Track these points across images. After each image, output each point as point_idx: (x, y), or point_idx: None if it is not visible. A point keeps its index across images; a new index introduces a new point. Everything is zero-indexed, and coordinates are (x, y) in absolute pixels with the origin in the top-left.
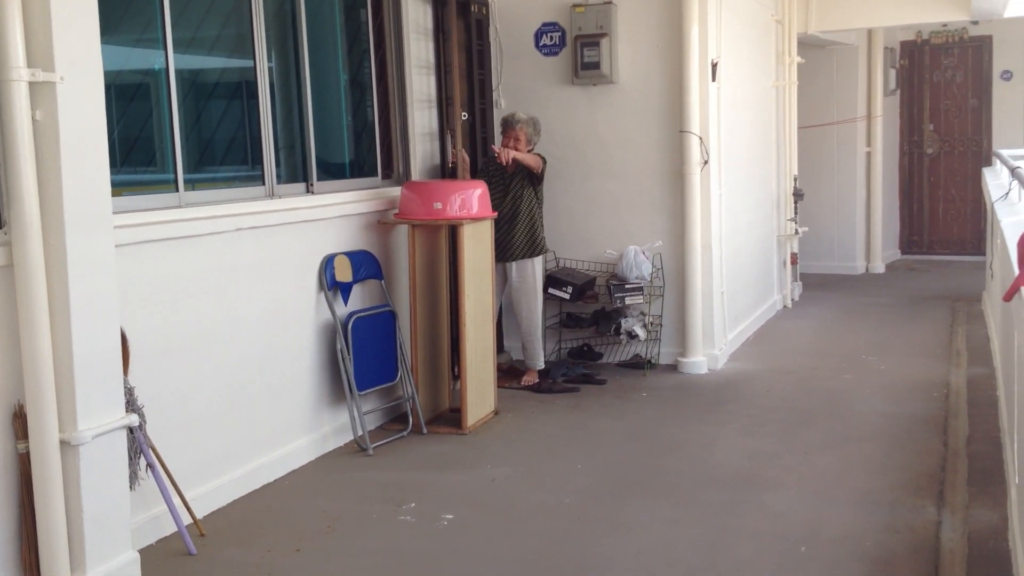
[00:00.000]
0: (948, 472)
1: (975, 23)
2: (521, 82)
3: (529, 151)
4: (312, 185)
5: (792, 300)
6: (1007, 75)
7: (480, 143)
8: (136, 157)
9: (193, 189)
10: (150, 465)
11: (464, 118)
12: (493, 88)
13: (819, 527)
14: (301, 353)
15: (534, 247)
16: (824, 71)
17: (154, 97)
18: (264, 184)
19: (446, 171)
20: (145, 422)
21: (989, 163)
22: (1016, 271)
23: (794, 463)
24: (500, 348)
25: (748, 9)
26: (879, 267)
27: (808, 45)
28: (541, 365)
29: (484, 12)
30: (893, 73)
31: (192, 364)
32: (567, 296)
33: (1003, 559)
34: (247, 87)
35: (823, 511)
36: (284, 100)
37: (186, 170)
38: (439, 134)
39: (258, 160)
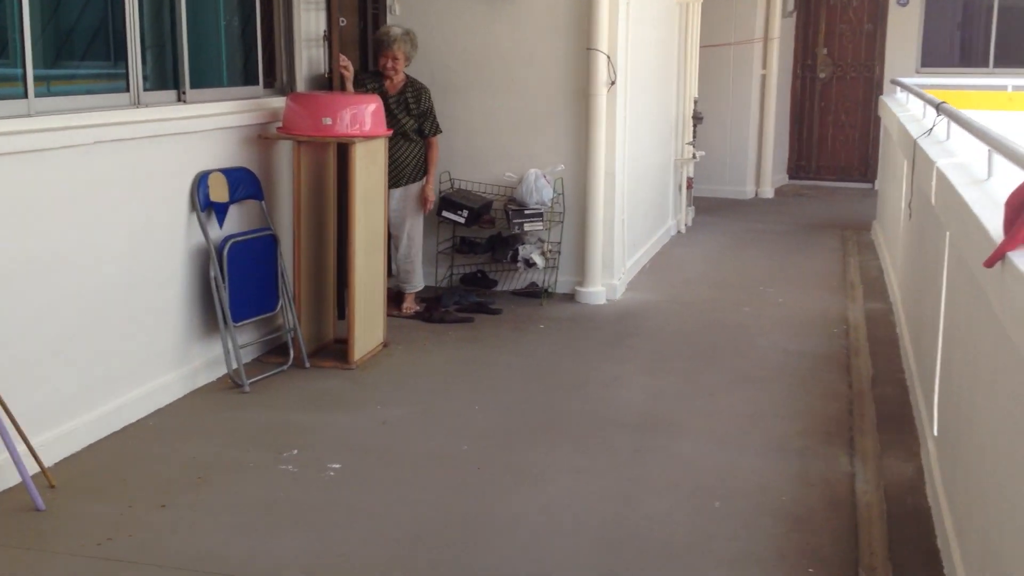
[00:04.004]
0: (856, 417)
1: None
2: None
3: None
4: (184, 93)
5: (686, 225)
6: (904, 1)
7: (372, 52)
8: None
9: (48, 91)
10: None
11: (342, 24)
12: None
13: (732, 478)
14: (169, 280)
15: (420, 171)
16: None
17: None
18: (129, 91)
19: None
20: None
21: (881, 90)
22: (1002, 233)
23: (700, 404)
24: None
25: None
26: (768, 192)
27: None
28: (420, 286)
29: None
30: None
31: (41, 292)
32: (462, 220)
33: (923, 515)
34: None
35: (734, 460)
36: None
37: (40, 68)
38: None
39: (123, 64)
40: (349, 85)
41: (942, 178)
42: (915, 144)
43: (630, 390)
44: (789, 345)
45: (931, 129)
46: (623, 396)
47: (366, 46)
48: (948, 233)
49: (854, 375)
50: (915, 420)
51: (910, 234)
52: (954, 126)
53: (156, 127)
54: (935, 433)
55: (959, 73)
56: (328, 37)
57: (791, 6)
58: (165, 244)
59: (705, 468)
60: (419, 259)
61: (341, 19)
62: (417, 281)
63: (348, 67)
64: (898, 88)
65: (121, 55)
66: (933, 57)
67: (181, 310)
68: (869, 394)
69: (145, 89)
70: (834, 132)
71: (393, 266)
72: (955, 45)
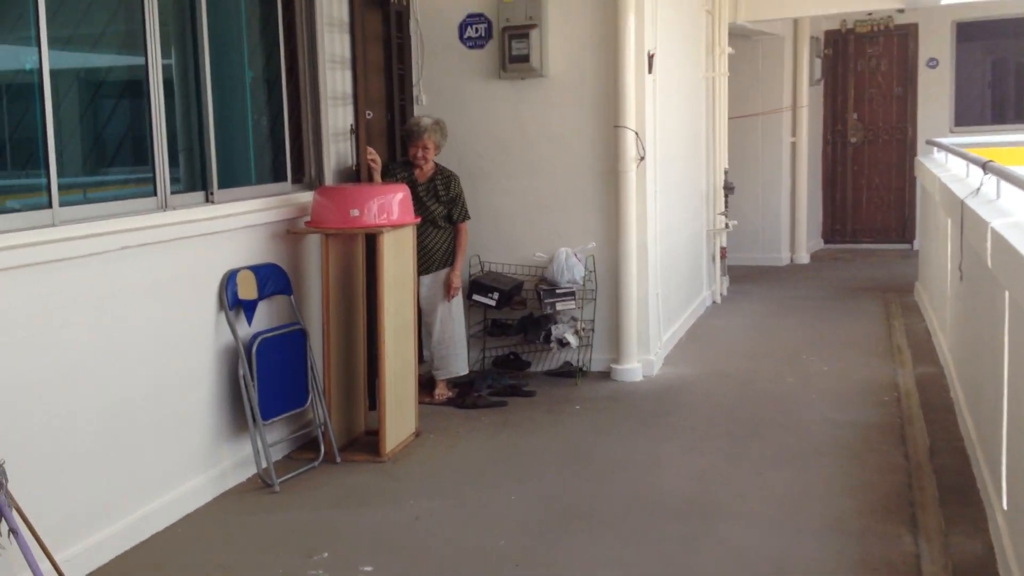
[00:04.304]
0: (916, 491)
1: (901, 11)
2: (444, 77)
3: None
4: (212, 194)
5: (721, 295)
6: (932, 63)
7: (400, 143)
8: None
9: (83, 198)
10: (12, 531)
11: (368, 117)
12: (414, 84)
13: (789, 566)
14: (198, 381)
15: (449, 257)
16: (750, 61)
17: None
18: (156, 195)
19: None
20: (7, 480)
21: (914, 151)
22: None
23: (748, 485)
24: (419, 359)
25: None
26: (804, 257)
27: (734, 35)
28: (463, 371)
29: (404, 3)
30: (818, 62)
31: (66, 401)
32: (493, 303)
33: None
34: (138, 87)
35: (789, 545)
36: (181, 101)
37: (66, 176)
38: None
39: (150, 168)
40: (377, 176)
41: (998, 239)
42: (962, 205)
43: (673, 472)
44: (838, 416)
45: (979, 188)
46: (666, 479)
47: (394, 137)
48: (1008, 293)
49: (910, 445)
50: (980, 492)
51: (961, 296)
52: (1004, 184)
53: (183, 229)
54: (1004, 506)
55: (994, 131)
56: (355, 130)
57: (818, 75)
58: (193, 345)
59: (759, 556)
60: (460, 343)
61: (368, 112)
62: (456, 367)
63: (376, 159)
64: (935, 148)
65: (148, 159)
66: (966, 116)
67: (210, 410)
68: (928, 465)
69: (173, 192)
70: (868, 195)
71: (425, 352)
72: (987, 103)
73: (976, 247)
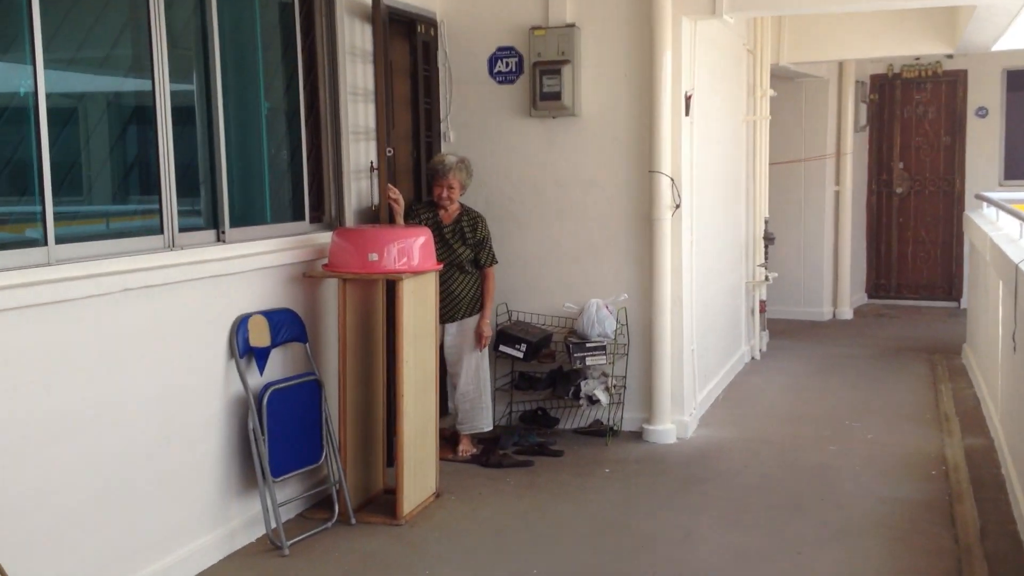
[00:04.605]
0: None
1: (950, 57)
2: (472, 113)
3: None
4: (224, 232)
5: (760, 351)
6: (982, 112)
7: (425, 181)
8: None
9: (82, 235)
10: None
11: (389, 154)
12: (441, 119)
13: None
14: (205, 434)
15: (476, 304)
16: (793, 105)
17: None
18: (162, 232)
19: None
20: None
21: (962, 204)
22: None
23: (787, 566)
24: (443, 411)
25: (721, 37)
26: (847, 313)
27: (777, 77)
28: (487, 427)
29: (432, 34)
30: (863, 108)
31: (63, 454)
32: (520, 355)
33: None
34: (145, 114)
35: None
36: (192, 132)
37: (64, 212)
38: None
39: (156, 204)
40: (399, 218)
41: None
42: (1017, 270)
43: (706, 548)
44: (882, 490)
45: None
46: (698, 556)
47: (419, 175)
48: None
49: (959, 526)
50: None
51: (1015, 366)
52: None
53: (192, 270)
54: None
55: None
56: (376, 167)
57: (863, 121)
58: (200, 395)
59: None
60: (485, 397)
61: (389, 149)
62: (481, 422)
63: (398, 199)
64: (984, 203)
65: (155, 194)
66: (1017, 169)
67: (218, 465)
68: (978, 549)
69: (180, 230)
70: (914, 249)
71: (450, 405)
72: None
73: None
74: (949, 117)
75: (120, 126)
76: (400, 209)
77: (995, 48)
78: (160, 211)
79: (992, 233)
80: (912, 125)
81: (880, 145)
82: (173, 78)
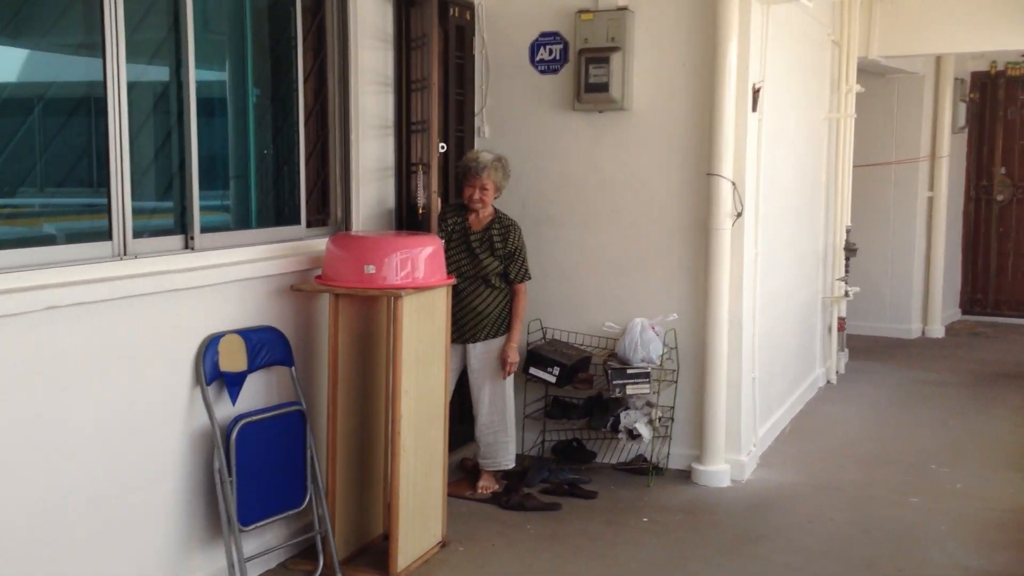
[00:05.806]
0: None
1: None
2: (510, 105)
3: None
4: (192, 239)
5: (837, 373)
6: None
7: (454, 181)
8: None
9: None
10: None
11: (442, 150)
12: (476, 112)
13: None
14: (162, 475)
15: (504, 323)
16: (882, 103)
17: None
18: (112, 238)
19: (404, 220)
20: None
21: None
22: None
23: None
24: (462, 441)
25: (800, 24)
26: (938, 331)
27: (866, 72)
28: (509, 465)
29: (467, 17)
30: (962, 107)
31: None
32: (552, 379)
33: None
34: (95, 101)
35: None
36: (161, 121)
37: None
38: (396, 170)
39: (104, 202)
40: (435, 218)
41: None
42: None
43: None
44: (972, 559)
45: None
46: None
47: (448, 174)
48: None
49: None
50: None
51: None
52: None
53: (147, 283)
54: None
55: None
56: (425, 164)
57: (962, 121)
58: (158, 430)
59: None
60: (509, 429)
61: (441, 144)
62: (503, 458)
63: (437, 204)
64: None
65: (102, 190)
66: None
67: (177, 513)
68: None
69: (136, 235)
70: (1015, 261)
71: (476, 432)
72: None
73: None
74: None
75: (64, 114)
76: (437, 209)
77: None
78: (109, 214)
79: None
80: (1016, 127)
81: (980, 148)
82: (133, 57)
